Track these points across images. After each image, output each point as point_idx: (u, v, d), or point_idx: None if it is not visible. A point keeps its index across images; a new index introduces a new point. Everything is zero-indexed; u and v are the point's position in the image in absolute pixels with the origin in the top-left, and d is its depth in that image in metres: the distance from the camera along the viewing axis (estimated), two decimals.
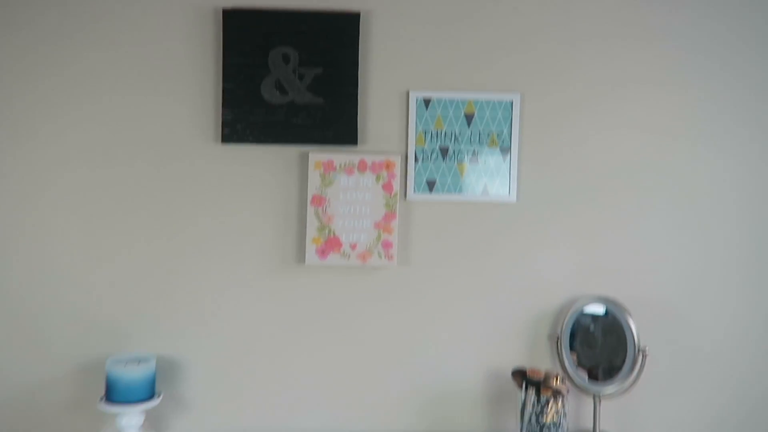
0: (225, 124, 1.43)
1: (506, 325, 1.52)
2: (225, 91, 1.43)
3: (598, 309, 1.47)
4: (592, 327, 1.48)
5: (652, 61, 1.51)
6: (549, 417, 1.36)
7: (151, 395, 1.39)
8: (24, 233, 1.46)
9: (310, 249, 1.44)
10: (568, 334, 1.48)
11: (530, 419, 1.37)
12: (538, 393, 1.36)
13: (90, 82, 1.45)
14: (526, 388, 1.38)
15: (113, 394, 1.35)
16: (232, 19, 1.43)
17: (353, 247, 1.44)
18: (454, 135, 1.50)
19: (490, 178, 1.50)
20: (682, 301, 1.52)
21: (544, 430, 1.36)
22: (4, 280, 1.46)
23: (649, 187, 1.52)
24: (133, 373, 1.35)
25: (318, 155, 1.45)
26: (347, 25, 1.44)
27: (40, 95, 1.45)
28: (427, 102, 1.49)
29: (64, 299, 1.46)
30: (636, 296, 1.49)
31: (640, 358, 1.42)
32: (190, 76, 1.46)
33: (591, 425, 1.49)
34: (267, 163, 1.47)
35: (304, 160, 1.46)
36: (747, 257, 1.53)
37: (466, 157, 1.50)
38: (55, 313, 1.46)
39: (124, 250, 1.47)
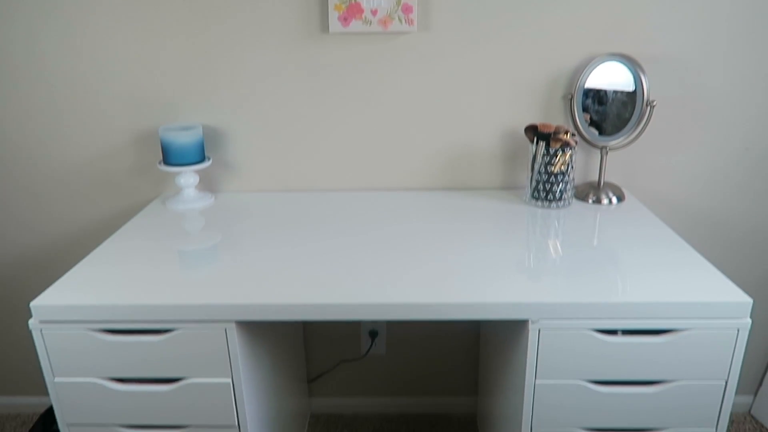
0: None
1: (523, 86, 1.59)
2: None
3: (612, 67, 1.52)
4: (604, 86, 1.54)
5: None
6: (557, 167, 1.50)
7: (201, 158, 1.57)
8: (85, 22, 1.53)
9: (333, 16, 1.47)
10: (581, 93, 1.55)
11: (539, 170, 1.52)
12: (547, 145, 1.48)
13: None
14: (537, 141, 1.50)
15: (169, 157, 1.52)
16: None
17: (374, 12, 1.47)
18: None
19: None
20: (691, 57, 1.54)
21: (551, 179, 1.51)
22: (71, 63, 1.56)
23: None
24: (183, 138, 1.51)
25: None
26: None
27: None
28: None
29: (121, 79, 1.58)
30: (648, 53, 1.52)
31: (648, 110, 1.50)
32: None
33: (596, 175, 1.65)
34: None
35: None
36: (756, 14, 1.51)
37: None
38: (113, 91, 1.59)
39: (171, 36, 1.54)
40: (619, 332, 1.10)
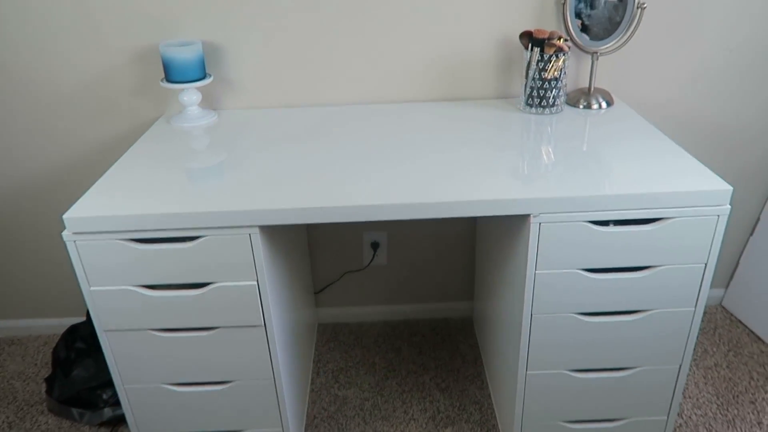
0: None
1: None
2: None
3: None
4: None
5: None
6: (550, 72, 1.55)
7: (203, 75, 1.58)
8: None
9: None
10: None
11: (534, 76, 1.57)
12: (541, 51, 1.53)
13: None
14: (531, 47, 1.54)
15: (170, 74, 1.54)
16: None
17: None
18: None
19: None
20: None
21: (545, 84, 1.56)
22: None
23: None
24: (184, 54, 1.51)
25: None
26: None
27: None
28: None
29: None
30: None
31: (638, 12, 1.54)
32: None
33: (587, 82, 1.71)
34: None
35: None
36: None
37: None
38: (108, 7, 1.57)
39: None
40: (611, 223, 1.19)
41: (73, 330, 1.82)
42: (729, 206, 1.16)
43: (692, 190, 1.15)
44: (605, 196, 1.14)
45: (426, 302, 2.11)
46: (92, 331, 1.75)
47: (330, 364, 1.93)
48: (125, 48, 1.62)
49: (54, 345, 1.92)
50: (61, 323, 2.09)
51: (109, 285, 1.21)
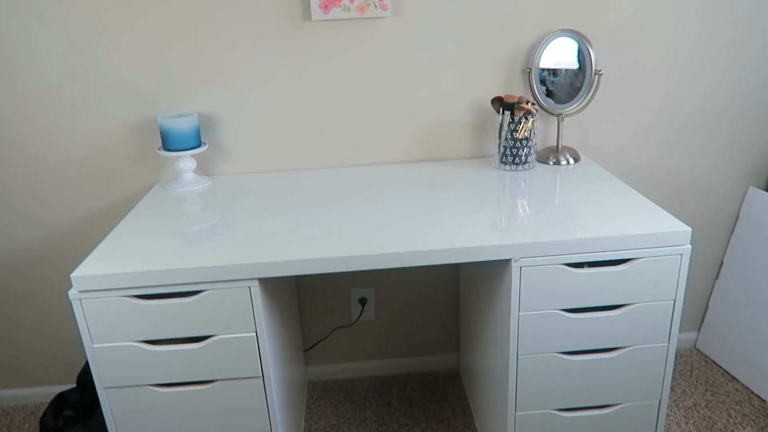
0: None
1: (486, 63, 1.77)
2: None
3: (563, 42, 1.71)
4: (557, 59, 1.73)
5: None
6: (521, 133, 1.69)
7: (198, 143, 1.69)
8: (78, 16, 1.62)
9: (314, 4, 1.62)
10: (538, 67, 1.75)
11: (506, 136, 1.71)
12: (512, 114, 1.67)
13: None
14: (503, 111, 1.69)
15: (168, 142, 1.64)
16: None
17: (352, 0, 1.62)
18: None
19: None
20: (633, 31, 1.76)
21: (517, 143, 1.70)
22: (65, 58, 1.66)
23: None
24: (181, 125, 1.62)
25: None
26: None
27: None
28: None
29: (114, 71, 1.68)
30: (595, 27, 1.74)
31: (596, 78, 1.71)
32: None
33: (555, 140, 1.86)
34: None
35: None
36: None
37: None
38: (108, 83, 1.69)
39: (162, 29, 1.65)
40: (585, 265, 1.30)
41: (61, 398, 1.81)
42: (690, 246, 1.28)
43: (655, 232, 1.26)
44: (578, 239, 1.25)
45: (414, 356, 2.16)
46: (81, 398, 1.75)
47: (321, 421, 1.95)
48: (124, 119, 1.72)
49: (41, 414, 1.90)
50: (47, 391, 2.08)
51: (112, 341, 1.25)
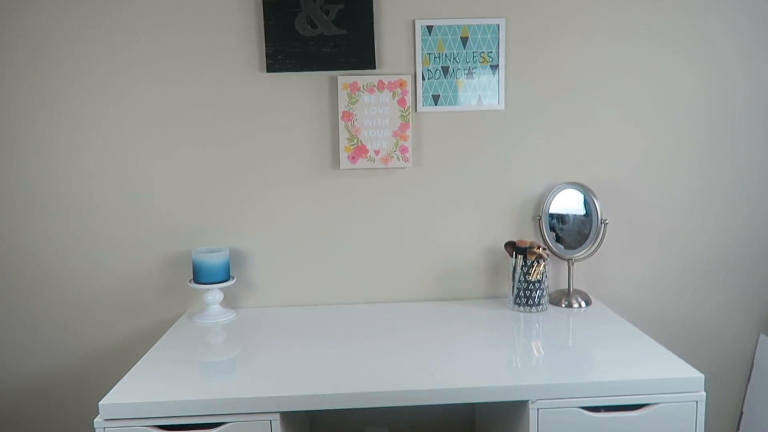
0: (268, 56, 1.74)
1: (498, 210, 1.90)
2: (266, 27, 1.73)
3: (570, 193, 1.86)
4: (565, 208, 1.87)
5: None
6: (534, 275, 1.77)
7: (227, 277, 1.78)
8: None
9: (343, 156, 1.80)
10: (548, 214, 1.88)
11: (519, 279, 1.79)
12: (525, 258, 1.77)
13: (152, 22, 1.75)
14: (516, 255, 1.79)
15: (199, 276, 1.73)
16: None
17: (377, 152, 1.80)
18: (453, 56, 1.81)
19: (483, 90, 1.83)
20: (637, 185, 1.91)
21: (530, 286, 1.78)
22: (107, 197, 1.82)
23: (610, 92, 1.86)
24: (213, 260, 1.73)
25: (345, 78, 1.77)
26: None
27: (109, 30, 1.76)
28: (429, 29, 1.79)
29: (149, 207, 1.83)
30: (600, 180, 1.88)
31: (602, 227, 1.82)
32: (237, 14, 1.75)
33: (566, 284, 1.93)
34: (304, 86, 1.79)
35: (333, 82, 1.79)
36: (690, 145, 1.91)
37: (463, 74, 1.82)
38: (144, 220, 1.83)
39: (203, 171, 1.82)
40: (602, 410, 1.31)
41: None
42: (704, 393, 1.29)
43: (669, 377, 1.29)
44: (595, 382, 1.28)
45: None
46: None
47: None
48: (160, 254, 1.84)
49: None
50: None
51: None
